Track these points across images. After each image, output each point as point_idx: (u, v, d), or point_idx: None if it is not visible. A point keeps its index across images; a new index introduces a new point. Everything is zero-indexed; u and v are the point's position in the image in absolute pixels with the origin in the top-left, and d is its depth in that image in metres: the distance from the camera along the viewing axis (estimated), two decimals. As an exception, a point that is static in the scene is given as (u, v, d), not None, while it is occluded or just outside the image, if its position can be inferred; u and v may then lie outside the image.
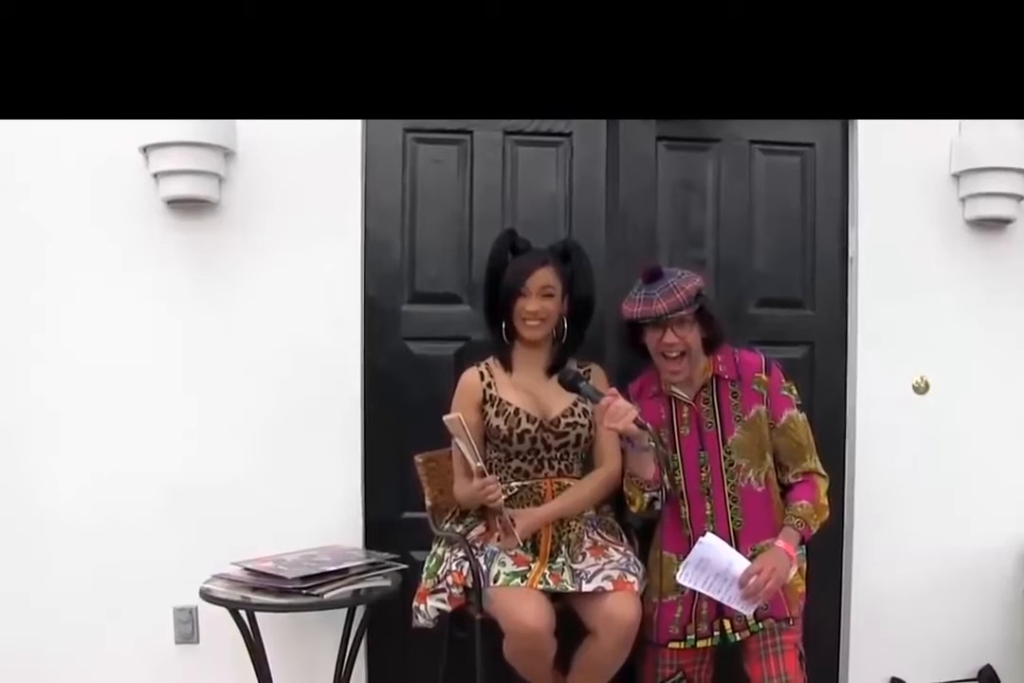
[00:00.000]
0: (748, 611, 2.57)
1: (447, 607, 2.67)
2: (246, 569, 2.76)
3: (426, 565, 2.80)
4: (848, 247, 3.35)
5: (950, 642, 3.35)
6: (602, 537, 2.78)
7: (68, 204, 3.05)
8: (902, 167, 3.30)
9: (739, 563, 2.57)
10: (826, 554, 3.18)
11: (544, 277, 2.77)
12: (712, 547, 2.57)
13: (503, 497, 2.66)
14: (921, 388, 3.33)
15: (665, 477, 2.64)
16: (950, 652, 3.35)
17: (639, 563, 2.72)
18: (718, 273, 3.28)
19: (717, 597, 2.56)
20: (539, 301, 2.77)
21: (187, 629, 3.11)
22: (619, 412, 2.51)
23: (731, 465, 2.72)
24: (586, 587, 2.57)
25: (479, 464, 2.61)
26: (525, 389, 2.82)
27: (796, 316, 3.36)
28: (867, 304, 3.31)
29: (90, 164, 3.03)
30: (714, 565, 2.56)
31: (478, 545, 2.72)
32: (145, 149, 2.96)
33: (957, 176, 3.31)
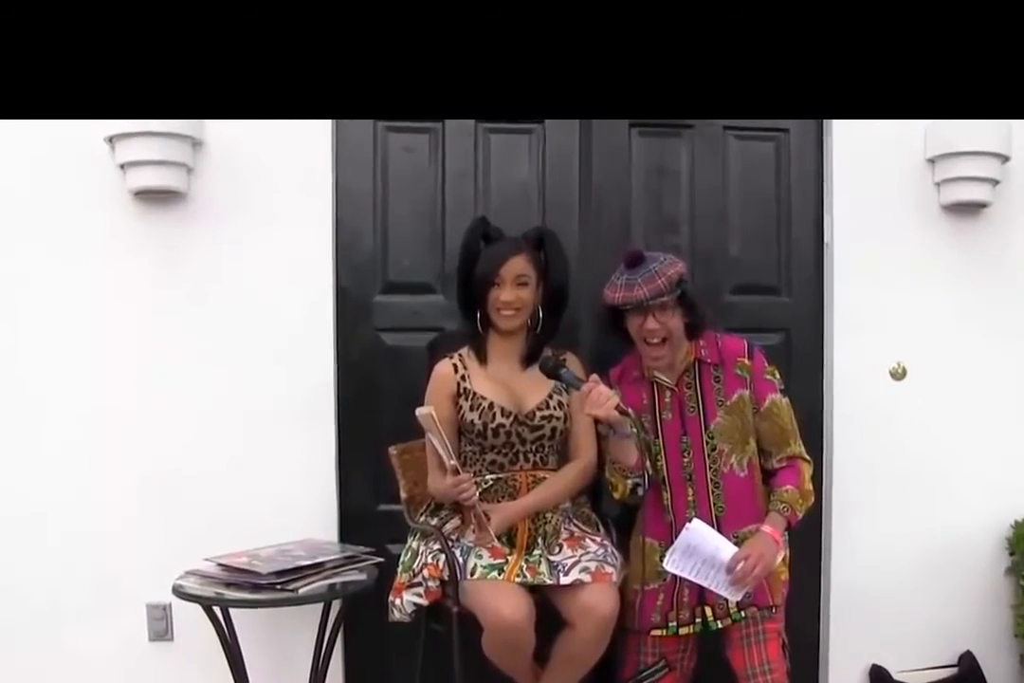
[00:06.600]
0: (736, 597, 2.56)
1: (424, 601, 2.64)
2: (220, 565, 2.71)
3: (401, 559, 2.76)
4: (823, 233, 3.33)
5: (931, 629, 3.34)
6: (579, 528, 2.76)
7: (33, 195, 3.00)
8: (877, 152, 3.28)
9: (726, 549, 2.55)
10: (805, 541, 3.15)
11: (518, 266, 2.74)
12: (699, 533, 2.56)
13: (477, 492, 2.63)
14: (898, 374, 3.31)
15: (647, 463, 2.63)
16: (931, 639, 3.34)
17: (616, 554, 2.70)
18: (693, 260, 3.23)
19: (704, 584, 2.55)
20: (513, 290, 2.73)
21: (161, 626, 3.07)
22: (600, 398, 2.49)
23: (713, 450, 2.70)
24: (564, 580, 2.54)
25: (453, 462, 2.57)
26: (500, 381, 2.79)
27: (771, 303, 3.34)
28: (843, 290, 3.29)
29: (55, 155, 2.98)
30: (701, 551, 2.54)
31: (454, 538, 2.69)
32: (111, 139, 2.91)
33: (932, 161, 3.29)
